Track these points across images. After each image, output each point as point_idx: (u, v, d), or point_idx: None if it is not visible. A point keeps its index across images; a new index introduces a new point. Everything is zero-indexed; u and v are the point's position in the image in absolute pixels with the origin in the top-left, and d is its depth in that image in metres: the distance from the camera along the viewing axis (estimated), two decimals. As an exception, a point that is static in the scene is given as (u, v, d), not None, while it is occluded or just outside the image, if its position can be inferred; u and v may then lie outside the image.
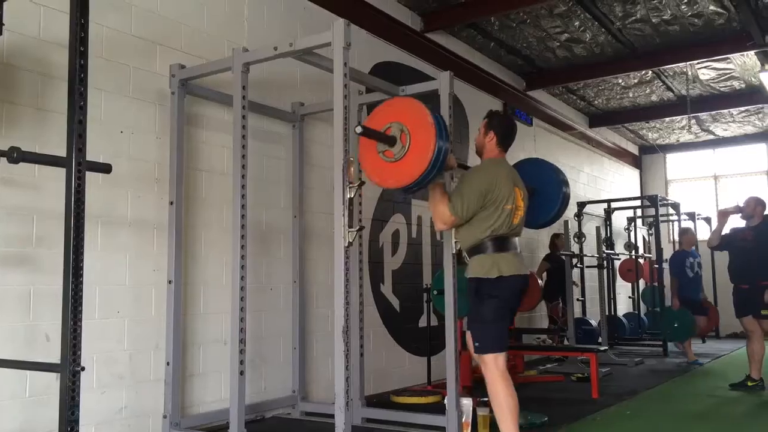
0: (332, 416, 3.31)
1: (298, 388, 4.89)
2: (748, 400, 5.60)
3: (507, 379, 3.41)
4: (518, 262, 3.55)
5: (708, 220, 11.33)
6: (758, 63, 8.30)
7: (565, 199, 4.24)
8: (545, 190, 4.19)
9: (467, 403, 4.20)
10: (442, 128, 3.24)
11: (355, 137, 4.77)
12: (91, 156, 2.54)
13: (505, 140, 3.71)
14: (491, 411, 4.18)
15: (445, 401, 4.21)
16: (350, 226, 3.31)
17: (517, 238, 3.63)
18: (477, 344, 3.56)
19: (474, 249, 3.56)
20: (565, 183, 4.28)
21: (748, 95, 9.98)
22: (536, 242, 9.13)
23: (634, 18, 7.13)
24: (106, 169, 2.72)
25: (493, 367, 3.43)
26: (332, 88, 3.45)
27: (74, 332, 2.16)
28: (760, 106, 10.54)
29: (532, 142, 8.88)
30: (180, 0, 4.41)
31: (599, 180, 11.72)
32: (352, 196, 3.33)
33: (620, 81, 9.47)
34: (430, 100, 4.80)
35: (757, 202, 6.12)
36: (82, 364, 2.23)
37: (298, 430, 4.47)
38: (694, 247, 8.31)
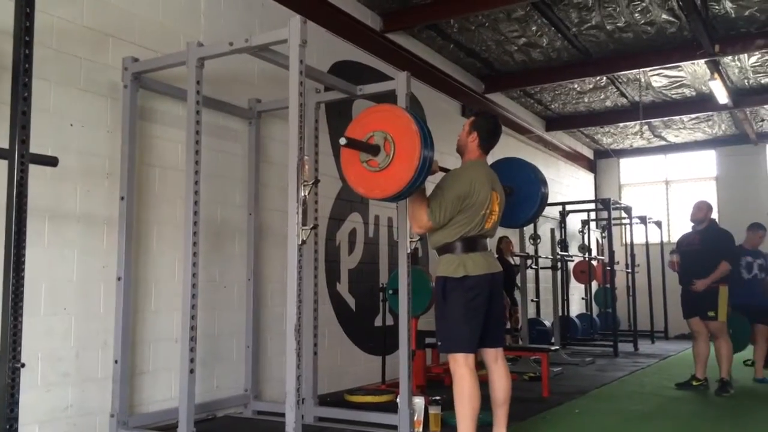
0: (284, 415, 3.29)
1: (251, 386, 4.85)
2: (692, 399, 5.76)
3: (474, 379, 3.41)
4: (486, 261, 3.55)
5: (659, 224, 11.62)
6: (708, 72, 8.53)
7: (544, 199, 4.26)
8: (523, 189, 4.21)
9: (419, 401, 4.23)
10: (426, 136, 3.23)
11: (310, 134, 4.79)
12: (38, 149, 2.50)
13: (488, 142, 3.71)
14: (443, 410, 4.24)
15: (398, 400, 4.23)
16: (304, 224, 3.30)
17: (487, 239, 3.65)
18: (439, 343, 3.58)
19: (443, 249, 3.58)
20: (544, 182, 4.29)
21: (699, 103, 10.26)
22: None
23: (589, 24, 7.27)
24: (52, 162, 2.66)
25: (463, 365, 3.42)
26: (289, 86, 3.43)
27: (14, 328, 2.11)
28: (710, 113, 10.86)
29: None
30: (134, -8, 4.34)
31: (555, 183, 11.90)
32: (307, 194, 3.32)
33: (576, 86, 9.64)
34: (388, 100, 4.82)
35: (708, 208, 6.29)
36: (24, 361, 2.18)
37: (248, 429, 4.44)
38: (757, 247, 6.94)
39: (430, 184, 3.58)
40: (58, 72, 3.82)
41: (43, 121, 3.68)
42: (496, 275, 3.58)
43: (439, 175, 3.81)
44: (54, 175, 3.69)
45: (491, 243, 3.73)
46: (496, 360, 3.64)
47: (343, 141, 3.24)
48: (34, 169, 2.91)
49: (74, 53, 3.93)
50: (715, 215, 6.40)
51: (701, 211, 6.25)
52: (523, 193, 4.23)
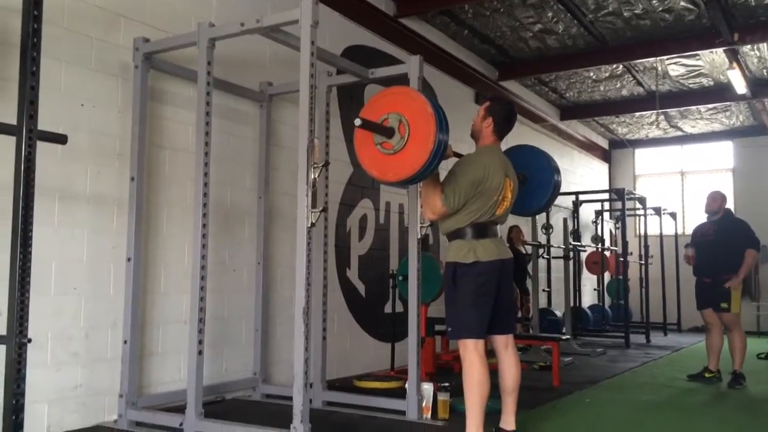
0: (292, 398, 3.28)
1: (260, 370, 4.85)
2: (704, 391, 5.71)
3: (484, 366, 3.38)
4: (496, 247, 3.51)
5: (674, 215, 11.51)
6: (726, 61, 8.41)
7: (557, 186, 4.20)
8: (537, 176, 4.15)
9: (428, 387, 4.22)
10: (442, 119, 3.18)
11: (321, 117, 4.76)
12: (49, 128, 2.49)
13: (503, 128, 3.66)
14: (451, 396, 4.22)
15: (406, 386, 4.22)
16: (313, 207, 3.27)
17: (498, 226, 3.61)
18: (449, 329, 3.54)
19: (453, 234, 3.55)
20: (557, 170, 4.23)
21: (716, 93, 10.11)
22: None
23: (606, 11, 7.17)
24: (60, 139, 2.64)
25: (472, 351, 3.39)
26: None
27: (21, 303, 2.11)
28: (728, 104, 10.71)
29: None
30: (146, -28, 4.31)
31: (569, 172, 11.80)
32: (317, 176, 3.29)
33: (591, 74, 9.54)
34: (400, 83, 4.77)
35: (723, 198, 6.21)
36: (35, 341, 2.18)
37: (257, 412, 4.44)
38: None
39: (443, 171, 3.55)
40: (70, 51, 3.81)
41: (54, 100, 3.67)
42: (506, 261, 3.54)
43: (453, 160, 3.76)
44: (65, 155, 3.69)
45: (502, 231, 3.69)
46: (506, 347, 3.61)
47: (358, 122, 3.20)
48: (44, 148, 2.90)
49: (86, 33, 3.91)
50: (731, 206, 6.30)
51: (716, 201, 6.16)
52: (536, 181, 4.17)
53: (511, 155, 3.89)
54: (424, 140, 3.16)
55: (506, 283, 3.59)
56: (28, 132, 2.19)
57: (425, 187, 3.53)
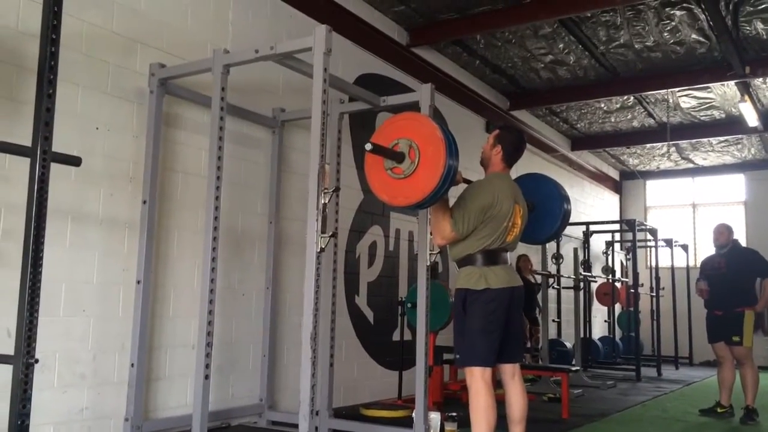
0: (298, 426, 3.25)
1: (266, 396, 4.82)
2: (716, 426, 5.61)
3: (491, 395, 3.35)
4: (507, 274, 3.51)
5: (685, 247, 11.43)
6: (738, 93, 8.41)
7: (566, 215, 4.19)
8: (546, 204, 4.14)
9: (435, 417, 4.19)
10: (451, 145, 3.20)
11: (333, 144, 4.79)
12: (64, 150, 2.51)
13: (512, 156, 3.67)
14: (459, 426, 4.18)
15: (413, 415, 4.18)
16: (323, 232, 3.28)
17: (508, 253, 3.60)
18: (457, 356, 3.51)
19: (464, 260, 3.54)
20: (566, 198, 4.22)
21: (728, 125, 10.11)
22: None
23: (617, 43, 7.22)
24: (75, 162, 2.66)
25: (479, 379, 3.36)
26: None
27: (30, 323, 2.11)
28: (739, 136, 10.69)
29: (513, 162, 8.90)
30: (164, 0, 4.39)
31: (579, 203, 11.79)
32: (327, 201, 3.31)
33: (603, 105, 9.57)
34: (412, 110, 4.81)
35: (730, 230, 6.18)
36: (42, 362, 2.18)
37: (263, 439, 4.41)
38: None
39: (452, 197, 3.55)
40: (87, 76, 3.87)
41: (70, 123, 3.72)
42: (516, 289, 3.53)
43: (462, 186, 3.77)
44: (78, 177, 3.73)
45: (511, 258, 3.67)
46: (513, 376, 3.57)
47: (368, 146, 3.22)
48: (58, 170, 2.93)
49: (103, 58, 3.98)
50: (743, 241, 6.25)
51: (723, 234, 6.14)
52: (546, 209, 4.16)
53: (521, 183, 3.89)
54: (434, 165, 3.18)
55: (516, 311, 3.57)
56: (43, 153, 2.21)
57: (434, 213, 3.53)
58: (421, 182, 3.23)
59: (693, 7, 6.33)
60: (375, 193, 3.46)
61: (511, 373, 3.57)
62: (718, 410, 5.99)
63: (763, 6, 6.29)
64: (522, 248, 9.12)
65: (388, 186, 3.37)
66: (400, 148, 3.28)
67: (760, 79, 8.14)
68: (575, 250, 9.39)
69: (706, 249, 11.31)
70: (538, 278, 8.47)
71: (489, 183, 3.59)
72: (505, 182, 3.59)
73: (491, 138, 3.70)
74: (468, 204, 3.47)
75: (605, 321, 11.60)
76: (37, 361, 2.14)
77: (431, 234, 3.71)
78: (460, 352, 3.49)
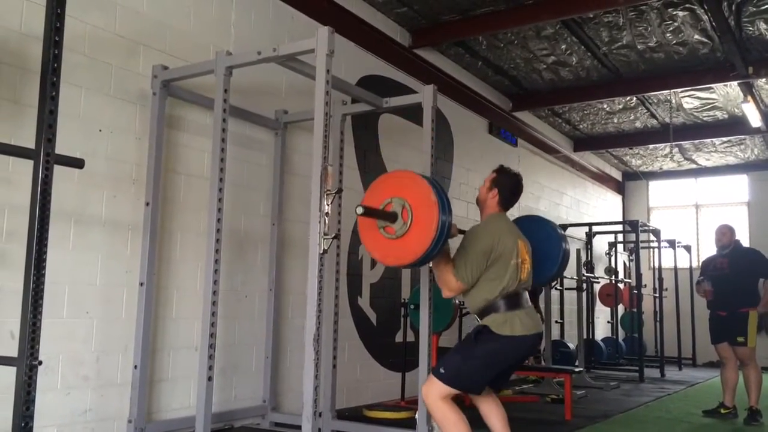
0: (301, 428, 3.25)
1: (269, 398, 4.82)
2: (720, 427, 5.60)
3: (454, 406, 3.21)
4: (531, 320, 3.33)
5: (688, 248, 11.41)
6: (741, 94, 8.40)
7: (566, 257, 4.02)
8: (544, 247, 3.93)
9: (438, 418, 4.17)
10: (444, 203, 3.13)
11: (336, 145, 4.79)
12: (67, 153, 2.51)
13: (509, 201, 3.56)
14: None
15: (416, 416, 4.18)
16: (326, 234, 3.28)
17: (527, 293, 3.45)
18: (442, 370, 3.26)
19: (485, 310, 3.32)
20: (564, 239, 4.07)
21: (731, 126, 10.09)
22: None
23: (620, 44, 7.21)
24: (78, 164, 2.66)
25: (437, 398, 3.20)
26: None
27: (33, 325, 2.11)
28: (742, 137, 10.67)
29: (516, 164, 8.91)
30: (166, 2, 4.40)
31: (582, 204, 11.78)
32: (330, 203, 3.31)
33: (605, 106, 9.56)
34: (414, 113, 4.81)
35: (732, 231, 6.17)
36: (46, 364, 2.18)
37: (266, 441, 4.41)
38: None
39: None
40: (90, 78, 3.88)
41: (73, 125, 3.73)
42: (538, 336, 3.38)
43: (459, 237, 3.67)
44: (81, 179, 3.74)
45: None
46: (487, 395, 3.46)
47: (360, 210, 3.15)
48: (62, 173, 2.94)
49: (106, 60, 3.99)
50: (746, 241, 6.24)
51: (726, 235, 6.13)
52: (544, 252, 3.92)
53: (517, 225, 3.71)
54: (426, 227, 3.10)
55: (529, 355, 3.46)
56: (46, 156, 2.22)
57: (436, 266, 3.39)
58: (413, 243, 3.15)
59: (695, 7, 6.32)
60: (368, 251, 3.42)
61: (486, 392, 3.45)
62: (722, 411, 5.98)
63: (766, 6, 6.28)
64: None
65: (380, 245, 3.29)
66: (393, 208, 3.21)
67: (763, 80, 8.12)
68: (578, 251, 9.38)
69: (709, 250, 11.28)
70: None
71: (486, 226, 3.46)
72: (502, 222, 3.48)
73: (488, 181, 3.57)
74: (469, 251, 3.33)
75: (608, 322, 11.59)
76: (40, 362, 2.14)
77: (439, 285, 3.49)
78: (448, 368, 3.26)
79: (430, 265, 3.57)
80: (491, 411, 3.45)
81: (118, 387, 3.93)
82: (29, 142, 2.37)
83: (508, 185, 3.55)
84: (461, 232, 3.66)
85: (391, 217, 3.21)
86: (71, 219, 3.74)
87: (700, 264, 6.44)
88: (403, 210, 3.19)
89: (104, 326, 3.89)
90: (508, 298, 3.29)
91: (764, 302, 5.81)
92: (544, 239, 4.00)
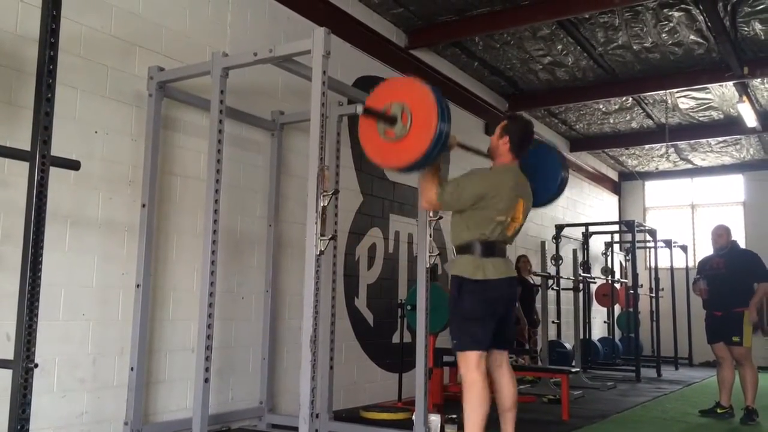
0: (298, 429, 3.25)
1: (266, 399, 4.81)
2: (717, 427, 5.61)
3: (485, 386, 3.36)
4: (504, 266, 3.55)
5: (684, 248, 11.43)
6: (736, 94, 8.42)
7: (563, 183, 4.08)
8: (544, 168, 4.04)
9: (435, 419, 4.18)
10: (444, 109, 3.22)
11: (332, 146, 4.79)
12: (63, 154, 2.52)
13: (520, 147, 3.67)
14: (459, 428, 4.17)
15: (414, 417, 4.17)
16: (323, 235, 3.28)
17: (506, 246, 3.64)
18: (454, 341, 3.53)
19: (462, 248, 3.57)
20: (565, 167, 4.13)
21: (726, 126, 10.11)
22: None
23: (615, 44, 7.22)
24: (74, 165, 2.66)
25: (474, 369, 3.38)
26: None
27: (29, 327, 2.11)
28: (738, 137, 10.69)
29: (512, 163, 8.90)
30: (162, 3, 4.39)
31: (578, 204, 11.80)
32: (326, 204, 3.31)
33: (601, 106, 9.57)
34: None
35: (728, 232, 6.19)
36: (41, 366, 2.18)
37: (263, 442, 4.40)
38: None
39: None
40: (85, 80, 3.87)
41: (68, 127, 3.72)
42: (513, 279, 3.58)
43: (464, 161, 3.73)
44: (77, 181, 3.73)
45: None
46: (500, 365, 3.60)
47: (360, 109, 3.25)
48: (57, 174, 2.93)
49: (101, 62, 3.98)
50: (742, 241, 6.26)
51: (722, 237, 6.15)
52: (544, 172, 4.08)
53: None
54: (425, 129, 3.21)
55: (511, 300, 3.61)
56: (42, 157, 2.21)
57: (424, 176, 3.56)
58: (412, 145, 3.26)
59: (691, 8, 6.33)
60: (368, 156, 3.50)
61: (498, 362, 3.60)
62: (718, 411, 5.99)
63: (761, 7, 6.30)
64: (521, 249, 9.14)
65: (381, 149, 3.41)
66: (393, 112, 3.31)
67: (759, 80, 8.15)
68: (574, 251, 9.40)
69: (705, 250, 11.32)
70: (537, 279, 8.47)
71: (493, 175, 3.60)
72: (509, 176, 3.58)
73: (498, 129, 3.71)
74: (462, 184, 3.52)
75: (605, 322, 11.61)
76: (36, 365, 2.14)
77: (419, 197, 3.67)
78: (456, 337, 3.52)
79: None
80: (501, 387, 3.59)
81: (115, 389, 3.91)
82: (25, 144, 2.36)
83: (518, 131, 3.68)
84: (461, 146, 3.71)
85: (391, 120, 3.31)
86: (67, 221, 3.73)
87: (697, 264, 6.45)
88: (403, 113, 3.28)
89: (100, 328, 3.88)
90: (485, 244, 3.50)
91: (754, 303, 5.80)
92: (543, 161, 4.04)
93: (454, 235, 3.66)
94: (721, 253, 6.12)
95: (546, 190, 4.06)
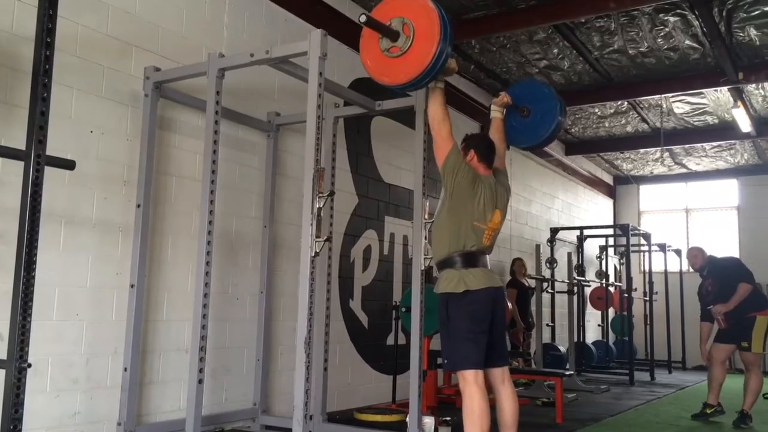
0: (292, 430, 3.25)
1: (260, 400, 4.81)
2: (708, 430, 5.62)
3: (485, 399, 3.33)
4: (487, 276, 3.51)
5: (678, 252, 11.46)
6: (731, 99, 8.45)
7: (559, 126, 4.20)
8: (541, 106, 4.16)
9: (429, 421, 4.17)
10: (446, 23, 3.21)
11: (328, 147, 4.79)
12: (58, 154, 2.51)
13: (486, 154, 3.71)
14: (453, 431, 4.17)
15: (407, 419, 4.17)
16: (318, 236, 3.28)
17: (487, 256, 3.61)
18: (445, 361, 3.52)
19: (443, 263, 3.57)
20: (564, 113, 4.22)
21: (721, 131, 10.15)
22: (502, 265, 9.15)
23: (611, 48, 7.25)
24: (69, 165, 2.65)
25: (473, 383, 3.34)
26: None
27: (23, 327, 2.10)
28: (732, 142, 10.74)
29: (508, 167, 8.91)
30: (159, 3, 4.38)
31: (573, 207, 11.83)
32: (321, 205, 3.31)
33: (597, 110, 9.60)
34: (407, 115, 4.82)
35: (701, 251, 6.26)
36: (35, 366, 2.17)
37: (256, 444, 4.39)
38: None
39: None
40: (81, 80, 3.87)
41: (64, 127, 3.72)
42: (498, 290, 3.54)
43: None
44: (72, 181, 3.72)
45: (506, 263, 3.68)
46: (503, 381, 3.55)
47: (362, 18, 3.23)
48: (52, 174, 2.92)
49: (98, 62, 3.97)
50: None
51: (697, 258, 6.22)
52: (541, 111, 4.19)
53: (515, 89, 4.05)
54: (428, 37, 3.20)
55: (499, 311, 3.56)
56: (37, 157, 2.21)
57: (432, 101, 3.59)
58: (413, 61, 3.25)
59: (687, 13, 6.36)
60: (369, 73, 3.47)
61: (501, 377, 3.55)
62: (707, 411, 5.99)
63: (756, 12, 6.33)
64: (516, 252, 9.15)
65: (381, 64, 3.39)
66: (395, 27, 3.30)
67: (753, 85, 8.19)
68: (569, 254, 9.42)
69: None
70: (532, 282, 8.48)
71: (478, 177, 3.58)
72: (487, 185, 3.59)
73: (462, 149, 3.71)
74: (452, 154, 3.52)
75: (599, 325, 11.64)
76: (29, 365, 2.13)
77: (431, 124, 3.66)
78: (447, 357, 3.49)
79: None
80: (503, 403, 3.54)
81: (108, 389, 3.91)
82: (20, 143, 2.36)
83: (478, 142, 3.78)
84: (453, 71, 3.74)
85: (393, 35, 3.30)
86: (62, 220, 3.72)
87: (697, 296, 6.39)
88: (404, 26, 3.28)
89: (94, 328, 3.87)
90: (465, 255, 3.49)
91: (733, 302, 5.78)
92: (541, 99, 4.22)
93: (434, 251, 3.69)
94: (703, 273, 6.16)
95: (547, 124, 4.17)
